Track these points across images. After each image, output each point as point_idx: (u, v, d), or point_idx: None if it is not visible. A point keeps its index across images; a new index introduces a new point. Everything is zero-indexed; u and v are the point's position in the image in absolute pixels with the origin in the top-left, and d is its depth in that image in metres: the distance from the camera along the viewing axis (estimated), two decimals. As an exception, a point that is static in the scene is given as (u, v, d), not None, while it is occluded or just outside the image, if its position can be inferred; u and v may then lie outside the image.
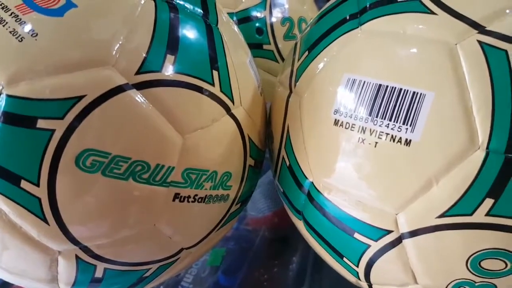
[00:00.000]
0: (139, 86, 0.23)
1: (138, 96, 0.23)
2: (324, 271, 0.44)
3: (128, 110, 0.23)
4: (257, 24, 0.44)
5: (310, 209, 0.29)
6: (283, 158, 0.30)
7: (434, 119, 0.22)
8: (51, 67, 0.22)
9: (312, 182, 0.28)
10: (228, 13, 0.40)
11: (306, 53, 0.29)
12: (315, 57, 0.28)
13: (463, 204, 0.22)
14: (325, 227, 0.28)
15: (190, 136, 0.25)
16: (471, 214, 0.22)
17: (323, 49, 0.28)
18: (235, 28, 0.32)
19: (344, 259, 0.28)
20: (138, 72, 0.23)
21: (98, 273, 0.26)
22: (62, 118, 0.22)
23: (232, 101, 0.27)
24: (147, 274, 0.29)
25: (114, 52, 0.23)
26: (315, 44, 0.28)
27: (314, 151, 0.27)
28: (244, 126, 0.29)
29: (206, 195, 0.27)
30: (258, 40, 0.44)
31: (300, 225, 0.32)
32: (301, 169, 0.28)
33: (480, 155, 0.21)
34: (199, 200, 0.27)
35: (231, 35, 0.30)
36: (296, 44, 0.32)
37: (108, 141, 0.23)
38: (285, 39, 0.45)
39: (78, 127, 0.22)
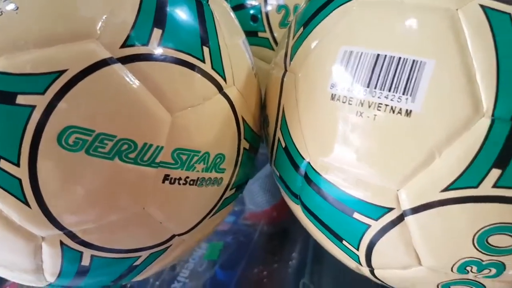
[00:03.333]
0: (124, 60, 0.22)
1: (123, 71, 0.22)
2: (325, 262, 0.43)
3: (113, 85, 0.22)
4: (251, 12, 0.43)
5: (308, 191, 0.27)
6: (278, 140, 0.29)
7: (436, 87, 0.21)
8: (32, 41, 0.21)
9: (309, 162, 0.26)
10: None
11: (301, 29, 0.28)
12: (310, 32, 0.27)
13: (468, 176, 0.21)
14: (323, 209, 0.27)
15: (179, 115, 0.24)
16: (476, 187, 0.21)
17: (318, 24, 0.26)
18: (228, 7, 0.31)
19: (344, 242, 0.27)
20: (123, 46, 0.22)
21: (85, 261, 0.25)
22: (43, 93, 0.21)
23: (225, 79, 0.26)
24: (138, 262, 0.27)
25: (98, 25, 0.22)
26: (310, 19, 0.27)
27: (311, 130, 0.26)
28: (238, 107, 0.27)
29: (198, 177, 0.26)
30: (253, 27, 0.43)
31: (298, 210, 0.30)
32: (297, 149, 0.27)
33: (485, 123, 0.20)
34: (191, 182, 0.25)
35: (223, 13, 0.29)
36: (290, 23, 0.31)
37: (92, 118, 0.21)
38: (281, 27, 0.44)
39: (59, 102, 0.21)
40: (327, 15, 0.26)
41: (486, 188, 0.21)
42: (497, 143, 0.20)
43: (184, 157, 0.24)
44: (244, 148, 0.29)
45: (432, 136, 0.21)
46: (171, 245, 0.28)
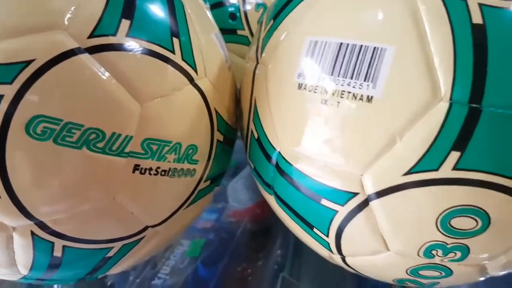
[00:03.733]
0: (92, 50, 0.22)
1: (90, 61, 0.22)
2: (305, 256, 0.43)
3: (80, 75, 0.22)
4: (230, 10, 0.43)
5: (279, 181, 0.28)
6: (251, 131, 0.30)
7: (395, 73, 0.22)
8: (0, 32, 0.21)
9: (280, 152, 0.27)
10: (199, -1, 0.39)
11: (271, 22, 0.28)
12: (279, 24, 0.27)
13: (429, 159, 0.21)
14: (294, 198, 0.27)
15: (149, 105, 0.24)
16: (437, 169, 0.21)
17: (286, 16, 0.27)
18: (200, 1, 0.32)
19: (315, 230, 0.27)
20: (91, 36, 0.23)
21: (57, 252, 0.25)
22: (10, 83, 0.21)
23: (196, 71, 0.27)
24: (111, 254, 0.27)
25: (67, 16, 0.22)
26: (279, 12, 0.28)
27: (280, 120, 0.26)
28: (210, 99, 0.28)
29: (170, 168, 0.26)
30: (231, 25, 0.44)
31: (272, 201, 0.31)
32: (268, 140, 0.28)
33: (443, 106, 0.21)
34: (162, 173, 0.26)
35: (195, 7, 0.29)
36: (263, 18, 0.32)
37: (59, 107, 0.22)
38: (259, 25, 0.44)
39: (27, 92, 0.21)
40: (294, 8, 0.27)
41: (446, 170, 0.21)
42: (456, 126, 0.21)
43: (154, 147, 0.25)
44: (218, 140, 0.29)
45: (393, 121, 0.22)
46: (144, 237, 0.28)
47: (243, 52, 0.45)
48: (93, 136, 0.22)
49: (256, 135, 0.29)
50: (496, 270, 0.26)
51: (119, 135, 0.23)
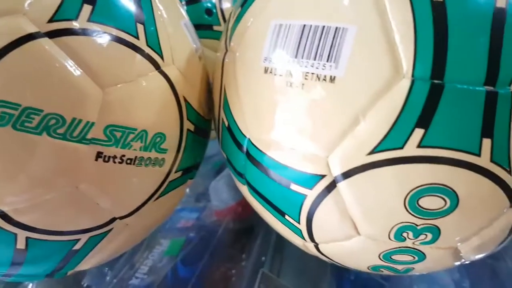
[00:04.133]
0: (52, 34, 0.22)
1: (50, 45, 0.22)
2: (285, 252, 0.42)
3: (39, 59, 0.22)
4: (206, 5, 0.43)
5: (250, 168, 0.27)
6: (222, 120, 0.29)
7: (357, 52, 0.21)
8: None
9: (249, 139, 0.26)
10: (175, -5, 0.39)
11: (239, 10, 0.28)
12: (246, 11, 0.27)
13: (393, 137, 0.21)
14: (264, 185, 0.27)
15: (111, 90, 0.24)
16: (402, 147, 0.21)
17: (252, 3, 0.27)
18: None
19: (286, 217, 0.27)
20: (51, 21, 0.22)
21: (20, 244, 0.24)
22: (-33, 67, 0.20)
23: (162, 58, 0.26)
24: (78, 246, 0.27)
25: (27, 1, 0.22)
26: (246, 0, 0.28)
27: (249, 106, 0.26)
28: (178, 87, 0.27)
29: (136, 156, 0.25)
30: (208, 21, 0.44)
31: (245, 191, 0.30)
32: (238, 127, 0.27)
33: (405, 83, 0.21)
34: (128, 161, 0.25)
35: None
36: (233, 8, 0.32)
37: (18, 92, 0.21)
38: (236, 21, 0.44)
39: (-16, 76, 0.21)
40: (260, -7, 0.26)
41: (411, 148, 0.21)
42: (418, 103, 0.21)
43: (118, 134, 0.24)
44: (189, 130, 0.29)
45: (356, 100, 0.21)
46: (112, 229, 0.27)
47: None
48: (53, 121, 0.22)
49: (226, 123, 0.29)
50: (469, 254, 0.26)
51: (80, 120, 0.23)
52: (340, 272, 0.39)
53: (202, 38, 0.40)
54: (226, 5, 0.45)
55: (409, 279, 0.39)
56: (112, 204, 0.26)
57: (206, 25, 0.44)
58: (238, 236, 0.49)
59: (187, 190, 0.56)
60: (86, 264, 0.29)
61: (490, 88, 0.20)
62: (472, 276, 0.43)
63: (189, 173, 0.32)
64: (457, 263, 0.28)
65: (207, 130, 0.33)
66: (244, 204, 0.52)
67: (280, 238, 0.45)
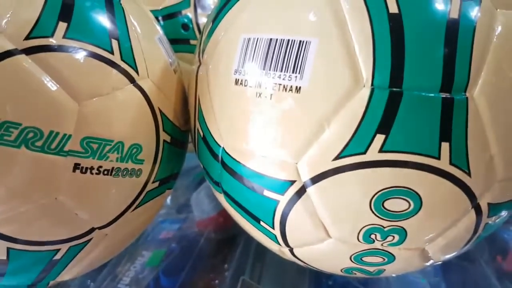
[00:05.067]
0: (29, 51, 0.23)
1: (27, 61, 0.23)
2: (266, 260, 0.43)
3: (17, 75, 0.22)
4: (182, 20, 0.44)
5: (225, 177, 0.28)
6: (198, 131, 0.30)
7: (320, 63, 0.23)
8: None
9: (224, 148, 0.27)
10: (152, 11, 0.40)
11: (211, 24, 0.29)
12: (217, 25, 0.28)
13: (355, 143, 0.22)
14: (239, 192, 0.28)
15: (87, 103, 0.24)
16: (364, 152, 0.22)
17: (224, 17, 0.28)
18: (142, 6, 0.33)
19: (261, 223, 0.28)
20: (28, 38, 0.23)
21: (1, 254, 0.25)
22: None
23: (137, 71, 0.27)
24: (58, 256, 0.27)
25: (4, 20, 0.23)
26: (217, 14, 0.29)
27: (222, 116, 0.27)
28: (154, 99, 0.28)
29: (113, 167, 0.26)
30: (184, 35, 0.45)
31: (222, 199, 0.31)
32: (213, 137, 0.28)
33: (365, 92, 0.22)
34: (105, 172, 0.26)
35: (135, 10, 0.30)
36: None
37: (-4, 106, 0.22)
38: (213, 35, 0.46)
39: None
40: (230, 8, 0.28)
41: (373, 153, 0.22)
42: (378, 110, 0.22)
43: (94, 146, 0.25)
44: (165, 141, 0.30)
45: (320, 109, 0.23)
46: (92, 239, 0.28)
47: (198, 61, 0.46)
48: (31, 135, 0.23)
49: (201, 134, 0.30)
50: (437, 254, 0.27)
51: (57, 133, 0.23)
52: (318, 278, 0.40)
53: (180, 52, 0.41)
54: (202, 20, 0.46)
55: (387, 282, 0.40)
56: (91, 214, 0.27)
57: (183, 39, 0.45)
58: (220, 246, 0.49)
59: (168, 201, 0.58)
60: (68, 274, 0.30)
61: (446, 94, 0.22)
62: (448, 279, 0.44)
63: (167, 183, 0.32)
64: (427, 263, 0.29)
65: (184, 141, 0.34)
66: (225, 214, 0.53)
67: (260, 246, 0.46)
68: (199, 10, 0.45)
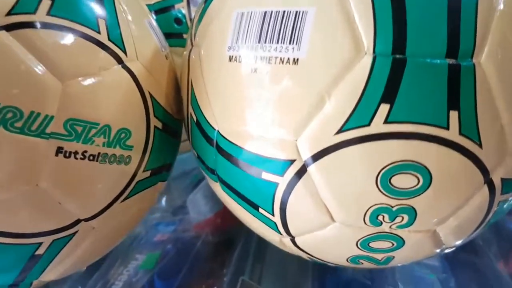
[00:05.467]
0: (10, 28, 0.22)
1: (8, 38, 0.21)
2: (266, 261, 0.41)
3: (-4, 52, 0.21)
4: (175, 15, 0.44)
5: (221, 162, 0.27)
6: (191, 116, 0.29)
7: (318, 33, 0.21)
8: None
9: (219, 131, 0.26)
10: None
11: (202, 5, 0.28)
12: (209, 5, 0.27)
13: (359, 115, 0.21)
14: (236, 177, 0.26)
15: (71, 83, 0.23)
16: (369, 124, 0.21)
17: (215, -4, 0.27)
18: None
19: (260, 210, 0.26)
20: (9, 14, 0.22)
21: (-22, 248, 0.23)
22: None
23: (125, 52, 0.26)
24: (41, 251, 0.25)
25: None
26: (209, -6, 0.28)
27: (216, 97, 0.26)
28: (143, 82, 0.27)
29: (99, 152, 0.24)
30: (178, 30, 0.44)
31: (218, 188, 0.29)
32: (207, 120, 0.27)
33: (367, 60, 0.20)
34: (90, 157, 0.24)
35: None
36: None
37: (-28, 84, 0.20)
38: (206, 29, 0.45)
39: None
40: (222, -14, 0.26)
41: (378, 125, 0.21)
42: (382, 78, 0.20)
43: (79, 129, 0.23)
44: (156, 127, 0.28)
45: (320, 80, 0.21)
46: (77, 232, 0.26)
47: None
48: (10, 114, 0.21)
49: (195, 119, 0.28)
50: (449, 238, 0.26)
51: (38, 114, 0.22)
52: (322, 276, 0.38)
53: (173, 47, 0.40)
54: (193, 10, 0.45)
55: (394, 278, 0.38)
56: (76, 204, 0.25)
57: (176, 33, 0.43)
58: (218, 249, 0.47)
59: (164, 204, 0.56)
60: (52, 272, 0.28)
61: (452, 60, 0.20)
62: (457, 275, 0.42)
63: (159, 174, 0.30)
64: (438, 250, 0.27)
65: (177, 130, 0.32)
66: (223, 215, 0.51)
67: (260, 247, 0.44)
68: (192, 5, 0.44)
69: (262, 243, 0.44)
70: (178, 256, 0.43)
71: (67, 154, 0.23)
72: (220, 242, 0.48)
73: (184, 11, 0.44)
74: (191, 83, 0.28)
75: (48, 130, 0.22)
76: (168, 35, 0.42)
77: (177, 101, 0.32)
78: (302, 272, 0.39)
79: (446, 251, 0.28)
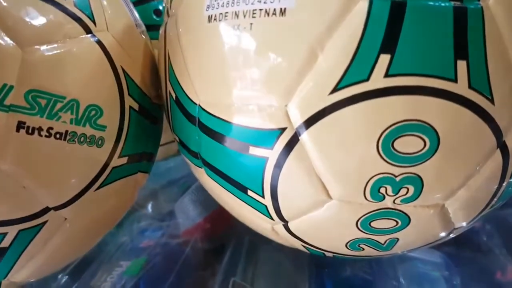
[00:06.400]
0: None
1: None
2: (259, 263, 0.38)
3: None
4: (154, 5, 0.42)
5: (204, 141, 0.24)
6: (170, 94, 0.26)
7: (307, -22, 0.19)
8: None
9: (200, 105, 0.23)
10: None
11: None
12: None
13: (356, 68, 0.18)
14: (221, 157, 0.24)
15: (33, 50, 0.21)
16: (367, 79, 0.18)
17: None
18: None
19: (249, 192, 0.23)
20: None
21: None
22: None
23: (94, 22, 0.24)
24: (6, 243, 0.22)
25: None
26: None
27: (195, 66, 0.23)
28: (115, 56, 0.24)
29: (67, 130, 0.22)
30: (157, 21, 0.41)
31: (202, 175, 0.27)
32: (187, 96, 0.24)
33: (363, 5, 0.18)
34: (57, 136, 0.21)
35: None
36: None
37: None
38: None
39: None
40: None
41: (378, 79, 0.18)
42: (380, 25, 0.18)
43: (42, 102, 0.21)
44: (132, 108, 0.26)
45: (311, 32, 0.19)
46: (46, 222, 0.23)
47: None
48: (-37, 84, 0.19)
49: (174, 96, 0.25)
50: (459, 215, 0.23)
51: (-5, 83, 0.19)
52: (319, 274, 0.35)
53: (153, 39, 0.38)
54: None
55: (396, 272, 0.36)
56: (43, 189, 0.22)
57: (155, 25, 0.41)
58: (208, 257, 0.44)
59: (150, 210, 0.53)
60: (23, 271, 0.25)
61: (457, 3, 0.18)
62: (462, 272, 0.40)
63: (137, 162, 0.28)
64: (447, 231, 0.24)
65: (157, 116, 0.30)
66: (212, 219, 0.48)
67: (252, 251, 0.41)
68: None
69: (253, 246, 0.42)
70: (165, 262, 0.40)
71: (30, 130, 0.20)
72: (210, 249, 0.45)
73: (164, 0, 0.42)
74: (168, 57, 0.26)
75: (7, 102, 0.20)
76: (147, 27, 0.40)
77: (155, 85, 0.29)
78: (298, 271, 0.36)
79: (452, 234, 0.26)
